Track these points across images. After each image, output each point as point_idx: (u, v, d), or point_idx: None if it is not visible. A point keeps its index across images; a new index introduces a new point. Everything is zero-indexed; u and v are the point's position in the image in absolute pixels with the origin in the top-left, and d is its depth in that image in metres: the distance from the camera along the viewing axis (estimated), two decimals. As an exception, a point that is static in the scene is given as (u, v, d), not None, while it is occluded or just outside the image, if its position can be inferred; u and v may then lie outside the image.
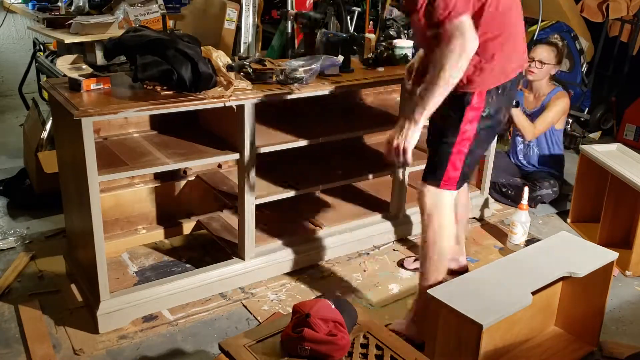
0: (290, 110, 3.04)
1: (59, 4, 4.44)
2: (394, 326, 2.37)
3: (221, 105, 2.31)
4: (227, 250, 2.72)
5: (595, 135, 4.88)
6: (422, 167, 3.12)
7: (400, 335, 2.05)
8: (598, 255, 2.29)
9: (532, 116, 3.58)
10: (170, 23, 4.13)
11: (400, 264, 2.90)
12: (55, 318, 2.42)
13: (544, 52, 3.50)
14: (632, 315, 2.62)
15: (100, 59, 3.67)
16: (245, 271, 2.64)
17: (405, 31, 3.23)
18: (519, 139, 3.70)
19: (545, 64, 3.48)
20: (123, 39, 2.32)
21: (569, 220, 3.43)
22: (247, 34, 4.55)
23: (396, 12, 5.14)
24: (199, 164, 2.70)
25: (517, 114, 3.46)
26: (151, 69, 2.22)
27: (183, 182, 2.91)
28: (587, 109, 4.85)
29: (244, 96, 2.35)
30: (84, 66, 3.54)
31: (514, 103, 3.42)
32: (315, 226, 2.88)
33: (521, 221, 3.04)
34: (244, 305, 2.56)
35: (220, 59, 2.42)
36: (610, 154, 3.21)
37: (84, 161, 2.10)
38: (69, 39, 3.76)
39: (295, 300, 2.60)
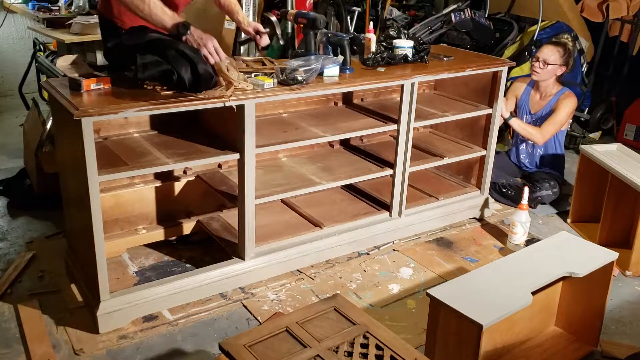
0: (289, 111, 3.04)
1: (59, 4, 4.45)
2: None
3: (221, 105, 2.31)
4: (227, 250, 2.72)
5: (595, 135, 4.88)
6: (421, 167, 3.14)
7: None
8: (598, 255, 2.29)
9: (539, 118, 3.57)
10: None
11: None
12: (55, 318, 2.42)
13: (549, 52, 3.46)
14: (632, 315, 2.62)
15: (100, 59, 3.68)
16: (245, 271, 2.64)
17: (405, 31, 3.23)
18: (521, 139, 3.69)
19: (549, 64, 3.46)
20: (123, 39, 2.32)
21: (569, 220, 3.43)
22: (247, 34, 4.54)
23: (396, 12, 5.16)
24: (199, 164, 2.70)
25: (516, 124, 3.46)
26: (151, 68, 2.22)
27: (183, 182, 2.91)
28: (587, 109, 4.86)
29: (244, 96, 2.35)
30: (84, 66, 3.54)
31: (507, 115, 3.42)
32: (315, 226, 2.88)
33: (521, 221, 3.04)
34: (244, 305, 2.56)
35: (228, 70, 2.40)
36: (610, 154, 3.21)
37: (84, 161, 2.10)
38: (69, 39, 3.76)
39: (295, 300, 2.60)
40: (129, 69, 2.35)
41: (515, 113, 3.76)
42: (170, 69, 2.22)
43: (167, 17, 2.26)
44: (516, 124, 3.47)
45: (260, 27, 2.66)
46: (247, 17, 2.64)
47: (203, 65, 2.25)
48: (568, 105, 3.48)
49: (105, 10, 2.51)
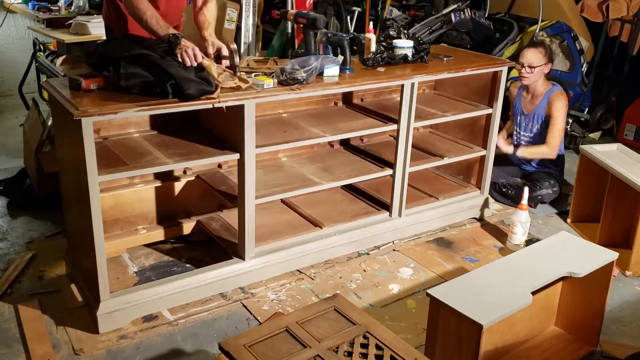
0: (289, 111, 3.04)
1: (59, 4, 4.45)
2: None
3: (222, 105, 2.31)
4: (227, 250, 2.72)
5: (595, 135, 4.88)
6: (421, 167, 3.14)
7: None
8: (598, 255, 2.29)
9: (533, 118, 3.57)
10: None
11: None
12: (55, 318, 2.42)
13: (531, 56, 3.46)
14: (632, 315, 2.62)
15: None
16: (245, 271, 2.64)
17: (405, 31, 3.23)
18: (516, 140, 3.69)
19: (534, 67, 3.46)
20: (106, 52, 2.29)
21: (569, 220, 3.43)
22: (247, 34, 4.55)
23: (396, 12, 5.15)
24: (199, 164, 2.70)
25: (526, 153, 3.51)
26: (134, 79, 2.21)
27: (183, 182, 2.91)
28: (587, 109, 4.85)
29: (244, 96, 2.35)
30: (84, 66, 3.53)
31: (511, 150, 3.48)
32: (315, 226, 2.88)
33: (521, 221, 3.04)
34: (244, 305, 2.56)
35: (212, 68, 2.38)
36: (610, 154, 3.21)
37: (84, 161, 2.10)
38: (69, 39, 3.76)
39: (295, 300, 2.60)
40: (110, 75, 2.32)
41: (511, 116, 3.76)
42: (152, 81, 2.21)
43: (161, 29, 2.40)
44: (525, 152, 3.52)
45: (224, 50, 2.54)
46: (214, 36, 2.60)
47: (186, 82, 2.22)
48: (561, 108, 3.49)
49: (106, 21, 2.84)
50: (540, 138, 3.57)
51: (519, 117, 3.67)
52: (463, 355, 1.94)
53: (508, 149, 3.48)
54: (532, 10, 4.70)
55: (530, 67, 3.45)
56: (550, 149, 3.51)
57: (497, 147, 3.39)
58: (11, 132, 4.52)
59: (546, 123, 3.53)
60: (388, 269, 2.89)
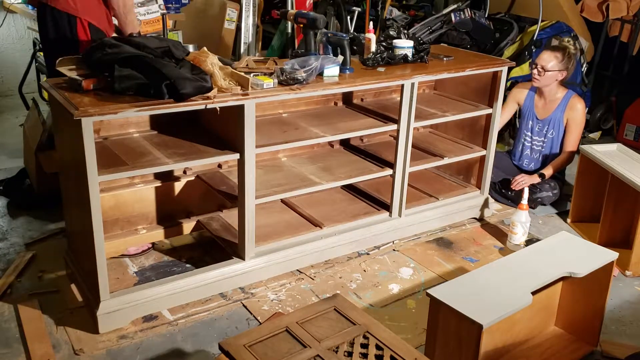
0: (289, 111, 3.04)
1: (59, 4, 4.43)
2: None
3: (225, 105, 2.31)
4: (227, 250, 2.72)
5: (595, 135, 4.89)
6: (421, 167, 3.14)
7: None
8: (598, 255, 2.29)
9: (548, 123, 3.56)
10: (170, 23, 4.12)
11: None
12: (55, 318, 2.43)
13: (546, 58, 3.42)
14: (632, 315, 2.62)
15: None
16: (245, 271, 2.64)
17: (405, 31, 3.23)
18: (527, 144, 3.67)
19: (547, 70, 3.43)
20: (99, 59, 2.28)
21: (569, 220, 3.43)
22: (247, 34, 4.56)
23: (396, 12, 5.16)
24: (199, 164, 2.70)
25: (552, 171, 3.49)
26: (128, 81, 2.20)
27: (183, 182, 2.91)
28: (587, 109, 4.85)
29: (244, 97, 2.35)
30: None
31: (538, 179, 3.46)
32: (315, 226, 2.88)
33: (521, 221, 3.04)
34: (244, 305, 2.56)
35: (214, 64, 2.38)
36: (610, 154, 3.21)
37: (84, 161, 2.10)
38: (69, 39, 3.74)
39: (295, 300, 2.60)
40: (106, 77, 2.32)
41: (519, 119, 3.75)
42: (147, 83, 2.20)
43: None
44: (551, 171, 3.50)
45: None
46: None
47: (182, 81, 2.20)
48: (582, 112, 3.50)
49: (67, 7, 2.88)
50: (554, 143, 3.56)
51: (530, 122, 3.64)
52: (463, 355, 1.94)
53: (535, 179, 3.46)
54: (532, 10, 4.70)
55: (543, 69, 3.43)
56: (572, 154, 3.53)
57: (522, 184, 3.39)
58: (11, 132, 4.52)
59: (563, 128, 3.52)
60: (388, 269, 2.89)
